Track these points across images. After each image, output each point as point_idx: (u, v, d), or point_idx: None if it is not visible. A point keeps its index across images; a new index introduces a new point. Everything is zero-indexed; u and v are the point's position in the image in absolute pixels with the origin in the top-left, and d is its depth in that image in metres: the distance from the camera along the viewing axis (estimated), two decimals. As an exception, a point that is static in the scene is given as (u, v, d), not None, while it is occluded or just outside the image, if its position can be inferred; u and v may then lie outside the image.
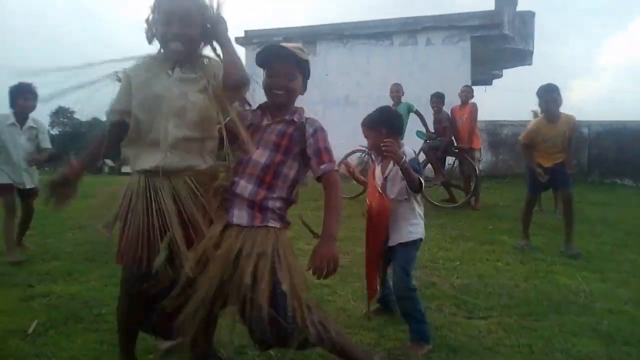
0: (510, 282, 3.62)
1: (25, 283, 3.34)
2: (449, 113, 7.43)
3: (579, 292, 3.41)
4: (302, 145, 1.98)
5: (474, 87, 8.41)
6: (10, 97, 4.09)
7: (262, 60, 2.09)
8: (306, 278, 1.90)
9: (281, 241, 1.89)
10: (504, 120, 11.84)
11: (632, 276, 3.86)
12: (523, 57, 13.24)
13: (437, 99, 7.34)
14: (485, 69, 14.59)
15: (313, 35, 12.48)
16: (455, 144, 7.36)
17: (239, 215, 1.91)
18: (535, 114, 20.08)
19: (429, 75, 10.99)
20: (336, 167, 1.98)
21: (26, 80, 4.02)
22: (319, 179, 1.96)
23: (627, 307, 3.10)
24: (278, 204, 1.95)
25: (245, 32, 13.04)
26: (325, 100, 12.14)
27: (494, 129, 11.58)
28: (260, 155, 1.96)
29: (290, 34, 12.58)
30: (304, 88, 2.13)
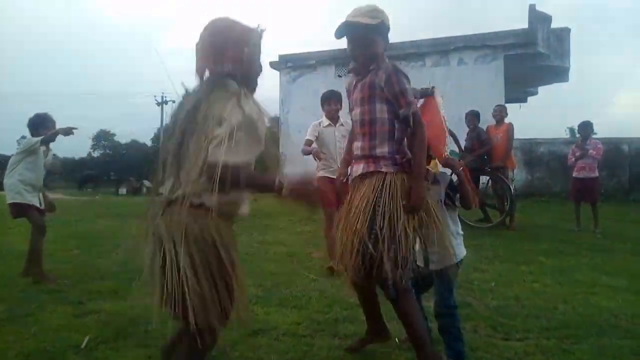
0: (548, 304, 3.57)
1: (77, 300, 3.55)
2: (485, 131, 7.40)
3: (620, 314, 3.33)
4: (381, 91, 2.18)
5: (508, 105, 8.38)
6: (33, 126, 4.41)
7: (339, 35, 2.29)
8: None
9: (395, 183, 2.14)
10: (540, 138, 11.67)
11: (678, 298, 3.74)
12: (559, 74, 13.09)
13: (473, 116, 7.35)
14: (520, 86, 14.44)
15: (345, 58, 12.68)
16: (489, 163, 7.32)
17: (356, 169, 2.27)
18: (572, 131, 19.62)
19: (462, 95, 10.98)
20: (415, 108, 2.19)
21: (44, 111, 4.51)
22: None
23: (672, 330, 3.02)
24: (381, 151, 2.19)
25: (280, 56, 13.41)
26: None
27: (530, 147, 11.42)
28: (356, 113, 2.29)
29: (323, 57, 12.87)
30: (384, 43, 2.27)
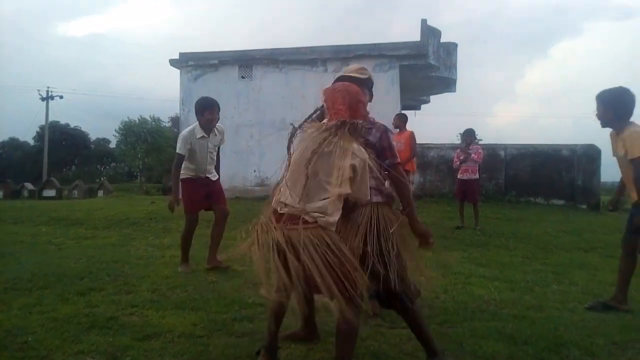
0: (431, 294, 3.91)
1: (-60, 314, 3.17)
2: None
3: (491, 300, 3.76)
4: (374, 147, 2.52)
5: (404, 112, 8.93)
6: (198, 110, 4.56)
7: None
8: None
9: (384, 213, 2.48)
10: (430, 143, 12.59)
11: (537, 284, 4.31)
12: (448, 84, 14.22)
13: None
14: (414, 95, 15.47)
15: (249, 60, 12.68)
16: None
17: None
18: (461, 137, 21.42)
19: (361, 100, 11.49)
20: (398, 160, 2.57)
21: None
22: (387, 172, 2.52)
23: (529, 312, 3.48)
24: (373, 182, 2.43)
25: (180, 54, 12.99)
26: (261, 122, 12.33)
27: (422, 151, 12.27)
28: None
29: (226, 57, 12.70)
30: (369, 99, 2.70)
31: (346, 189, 2.08)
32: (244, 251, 2.23)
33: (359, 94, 2.41)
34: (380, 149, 2.54)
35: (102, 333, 2.86)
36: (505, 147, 12.07)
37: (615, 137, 3.69)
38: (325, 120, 2.34)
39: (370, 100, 2.75)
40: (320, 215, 2.13)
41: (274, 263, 2.11)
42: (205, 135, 4.61)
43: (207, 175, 4.72)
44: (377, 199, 2.50)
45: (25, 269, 4.39)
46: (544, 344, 2.82)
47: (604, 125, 3.78)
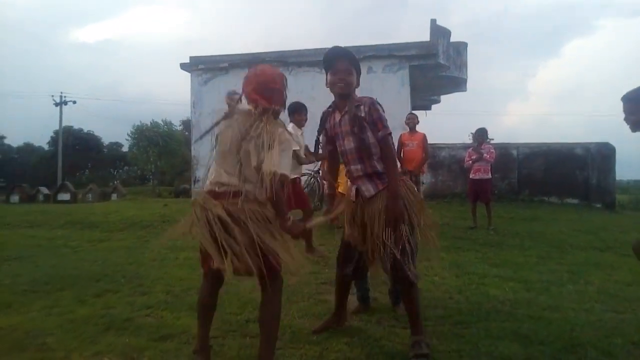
0: (445, 295, 3.90)
1: (-38, 316, 3.24)
2: (397, 139, 7.76)
3: (506, 300, 3.73)
4: (366, 119, 2.63)
5: (414, 112, 8.89)
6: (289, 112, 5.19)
7: (327, 62, 2.76)
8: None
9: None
10: (442, 143, 12.52)
11: (552, 284, 4.26)
12: (458, 84, 14.14)
13: None
14: (424, 95, 15.41)
15: (258, 62, 12.71)
16: (402, 168, 7.66)
17: (367, 189, 2.69)
18: (473, 136, 21.21)
19: (371, 101, 11.48)
20: (389, 131, 2.63)
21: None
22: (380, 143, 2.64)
23: (545, 312, 3.45)
24: (379, 165, 2.67)
25: (191, 58, 13.09)
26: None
27: (433, 151, 12.20)
28: (348, 143, 2.70)
29: (236, 60, 12.78)
30: (357, 79, 2.76)
31: (272, 168, 2.21)
32: (184, 230, 2.36)
33: (269, 82, 2.42)
34: (372, 122, 2.63)
35: (119, 334, 2.90)
36: (517, 146, 11.97)
37: None
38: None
39: (357, 86, 2.80)
40: (253, 191, 2.32)
41: (208, 239, 2.25)
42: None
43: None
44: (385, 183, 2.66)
45: (42, 272, 4.46)
46: (560, 345, 2.79)
47: (635, 128, 3.51)
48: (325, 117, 2.91)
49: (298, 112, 5.36)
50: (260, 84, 2.41)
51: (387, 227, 2.57)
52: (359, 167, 2.73)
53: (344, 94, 2.72)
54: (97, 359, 2.54)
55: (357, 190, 2.77)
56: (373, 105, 2.64)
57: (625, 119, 3.62)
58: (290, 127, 5.22)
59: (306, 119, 5.45)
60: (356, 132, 2.65)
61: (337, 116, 2.78)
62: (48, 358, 2.53)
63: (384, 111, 2.71)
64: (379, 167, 2.68)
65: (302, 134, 5.38)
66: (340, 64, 2.71)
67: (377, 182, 2.69)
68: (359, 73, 2.78)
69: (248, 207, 2.26)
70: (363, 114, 2.63)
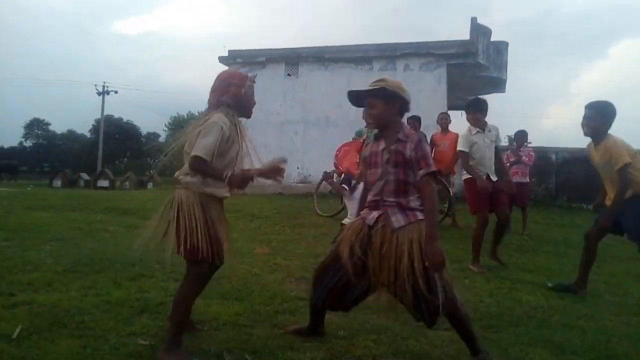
0: (475, 298, 3.84)
1: (7, 292, 3.40)
2: (429, 138, 7.67)
3: (538, 307, 3.65)
4: (409, 157, 2.52)
5: (450, 112, 8.76)
6: None
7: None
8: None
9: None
10: (478, 145, 12.24)
11: (589, 294, 4.13)
12: (497, 84, 13.81)
13: (414, 121, 7.62)
14: (462, 94, 15.11)
15: (295, 58, 12.81)
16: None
17: (396, 219, 2.50)
18: (510, 140, 20.77)
19: (407, 100, 11.36)
20: (432, 169, 2.47)
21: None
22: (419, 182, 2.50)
23: (579, 321, 3.35)
24: (417, 202, 2.52)
25: (229, 52, 13.29)
26: (306, 119, 12.44)
27: (469, 152, 11.98)
28: (385, 175, 2.57)
29: (273, 54, 12.89)
30: (390, 109, 2.62)
31: (193, 152, 2.39)
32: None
33: (228, 78, 2.67)
34: (416, 161, 2.50)
35: (153, 317, 2.99)
36: (556, 150, 11.62)
37: (593, 147, 4.08)
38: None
39: (400, 114, 2.68)
40: (185, 177, 2.52)
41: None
42: (480, 130, 5.05)
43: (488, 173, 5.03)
44: (421, 216, 2.49)
45: (82, 254, 4.64)
46: (594, 355, 2.71)
47: (593, 134, 4.04)
48: (369, 141, 2.84)
49: (478, 110, 5.09)
50: (219, 79, 2.68)
51: (428, 272, 2.38)
52: (391, 199, 2.55)
53: (377, 127, 2.72)
54: (132, 340, 2.63)
55: (380, 217, 2.56)
56: (420, 144, 2.52)
57: (584, 124, 3.95)
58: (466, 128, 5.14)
59: (481, 118, 5.08)
60: (393, 170, 2.55)
61: (381, 145, 2.64)
62: (86, 336, 2.64)
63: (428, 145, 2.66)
64: (414, 204, 2.53)
65: (476, 132, 5.04)
66: (365, 101, 2.73)
67: (409, 213, 2.51)
68: (390, 100, 2.60)
69: (181, 191, 2.53)
70: (408, 153, 2.51)
